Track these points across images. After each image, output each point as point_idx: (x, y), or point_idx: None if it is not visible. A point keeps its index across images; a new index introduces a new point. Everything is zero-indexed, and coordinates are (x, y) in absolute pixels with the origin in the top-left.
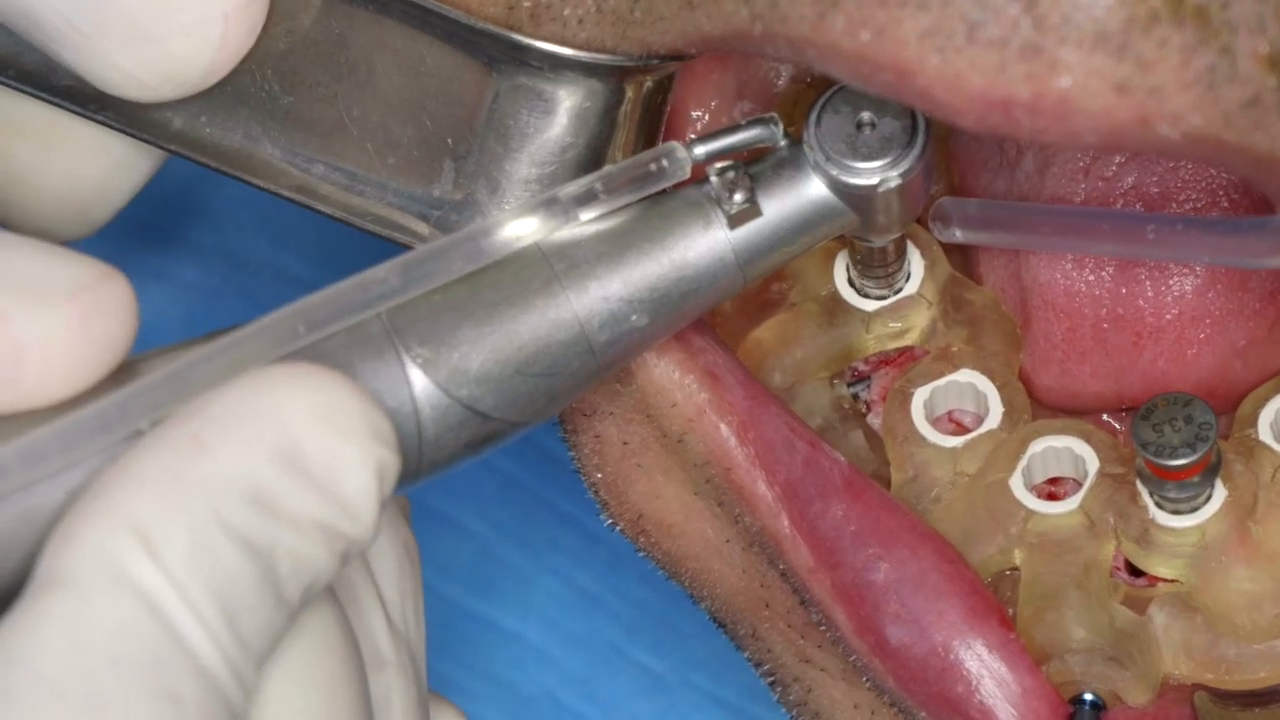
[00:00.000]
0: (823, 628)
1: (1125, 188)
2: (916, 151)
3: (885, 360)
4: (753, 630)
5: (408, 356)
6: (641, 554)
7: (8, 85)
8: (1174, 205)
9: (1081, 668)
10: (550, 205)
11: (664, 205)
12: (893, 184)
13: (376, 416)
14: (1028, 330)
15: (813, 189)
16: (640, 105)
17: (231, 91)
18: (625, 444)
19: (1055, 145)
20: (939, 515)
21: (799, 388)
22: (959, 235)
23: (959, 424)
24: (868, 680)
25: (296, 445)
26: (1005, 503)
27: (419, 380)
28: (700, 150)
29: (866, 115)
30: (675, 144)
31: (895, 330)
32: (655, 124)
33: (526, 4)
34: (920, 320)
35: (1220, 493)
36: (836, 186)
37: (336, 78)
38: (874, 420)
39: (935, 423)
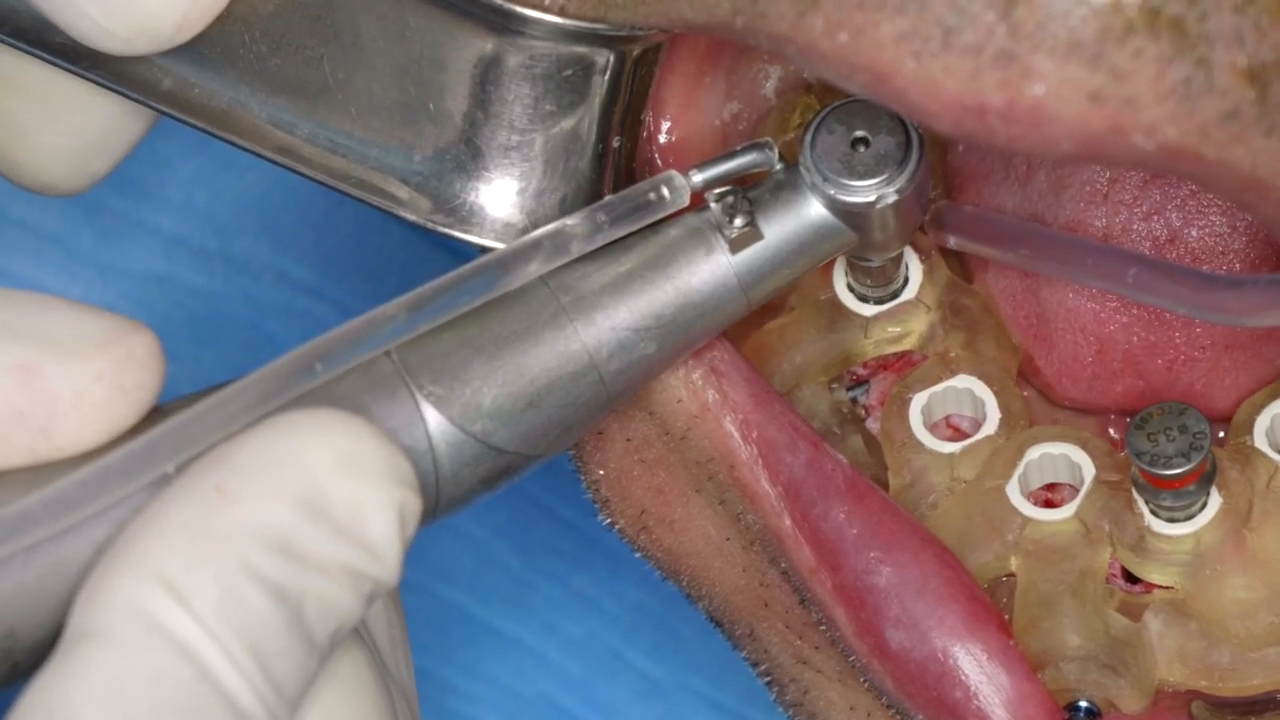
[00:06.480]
0: (822, 627)
1: (1145, 211)
2: (911, 167)
3: (884, 365)
4: (750, 630)
5: (420, 394)
6: (639, 554)
7: (3, 42)
8: (1194, 231)
9: (1077, 675)
10: (554, 238)
11: (665, 233)
12: (889, 200)
13: (397, 459)
14: (1051, 347)
15: (811, 210)
16: (625, 75)
17: (221, 52)
18: (628, 440)
19: (1033, 153)
20: (936, 521)
21: (798, 392)
22: (952, 242)
23: (956, 429)
24: (866, 681)
25: (321, 492)
26: (1002, 509)
27: (433, 417)
28: (698, 177)
29: (861, 134)
30: (674, 172)
31: (894, 335)
32: (640, 95)
33: None
34: (919, 325)
35: (1215, 500)
36: (834, 206)
37: (323, 40)
38: (872, 425)
39: (933, 428)
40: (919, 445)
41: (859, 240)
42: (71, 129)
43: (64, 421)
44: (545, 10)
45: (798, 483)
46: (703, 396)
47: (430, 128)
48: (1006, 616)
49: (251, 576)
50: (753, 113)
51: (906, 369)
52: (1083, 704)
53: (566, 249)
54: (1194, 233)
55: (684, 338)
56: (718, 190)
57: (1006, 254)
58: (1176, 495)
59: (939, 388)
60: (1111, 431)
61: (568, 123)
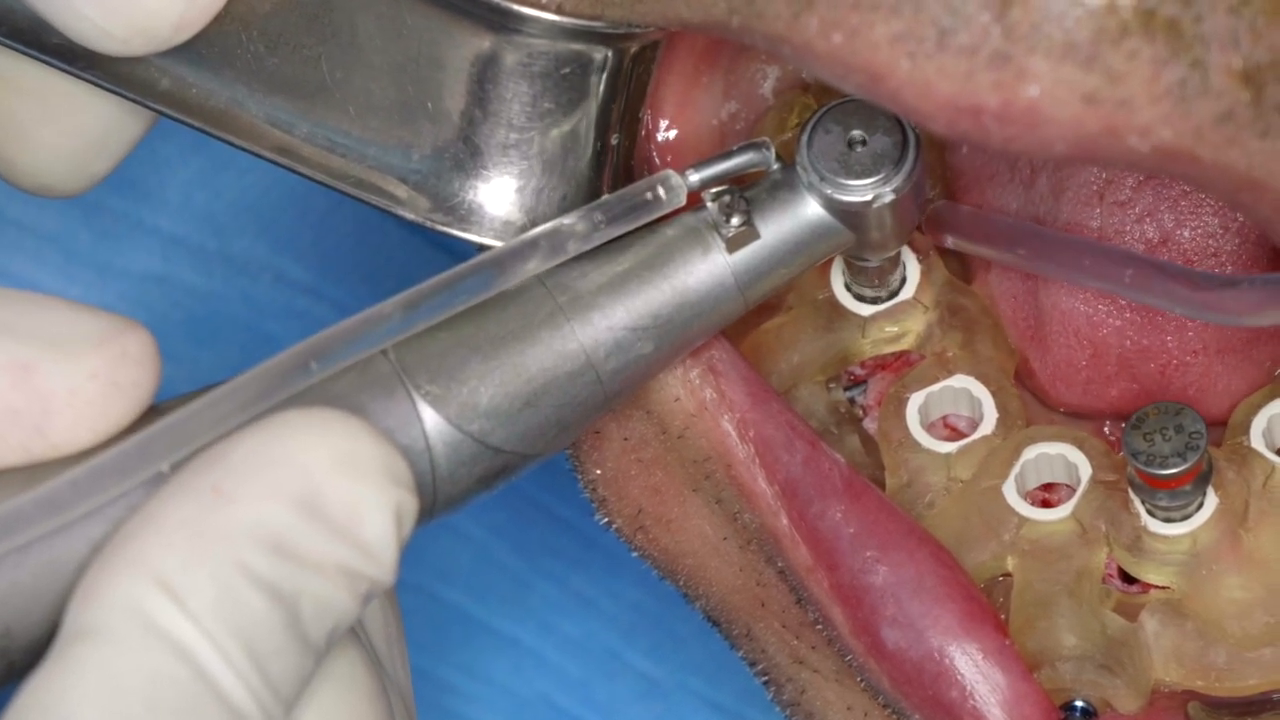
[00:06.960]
0: (819, 626)
1: (1138, 213)
2: (908, 167)
3: (881, 364)
4: (747, 630)
5: (418, 394)
6: (636, 553)
7: (0, 43)
8: (1186, 232)
9: (1073, 675)
10: (551, 237)
11: (662, 232)
12: (886, 199)
13: (394, 460)
14: (1046, 350)
15: (808, 209)
16: (623, 73)
17: (218, 52)
18: (625, 439)
19: (1028, 155)
20: (933, 521)
21: (795, 391)
22: (950, 242)
23: (954, 429)
24: (862, 681)
25: (317, 492)
26: (998, 509)
27: (430, 417)
28: (695, 177)
29: (857, 133)
30: (670, 172)
31: (891, 335)
32: (638, 93)
33: None
34: (916, 325)
35: (1212, 500)
36: (831, 205)
37: (320, 39)
38: (870, 425)
39: (930, 428)
40: (916, 445)
41: (856, 240)
42: (70, 129)
43: (58, 419)
44: (543, 8)
45: (795, 482)
46: (700, 395)
47: (428, 126)
48: (1003, 616)
49: (248, 576)
50: (750, 112)
51: (904, 369)
52: (1079, 704)
53: (563, 248)
54: (1186, 234)
55: (681, 337)
56: (715, 190)
57: (1004, 254)
58: (1173, 495)
59: (936, 387)
60: (1108, 431)
61: (566, 121)
